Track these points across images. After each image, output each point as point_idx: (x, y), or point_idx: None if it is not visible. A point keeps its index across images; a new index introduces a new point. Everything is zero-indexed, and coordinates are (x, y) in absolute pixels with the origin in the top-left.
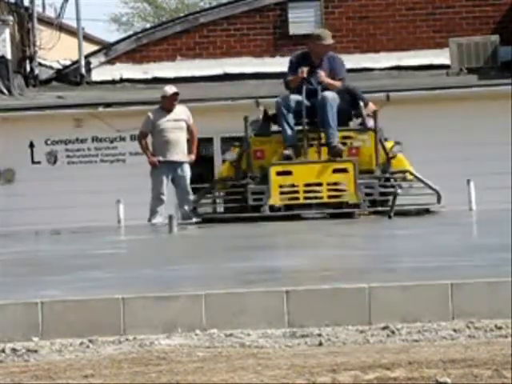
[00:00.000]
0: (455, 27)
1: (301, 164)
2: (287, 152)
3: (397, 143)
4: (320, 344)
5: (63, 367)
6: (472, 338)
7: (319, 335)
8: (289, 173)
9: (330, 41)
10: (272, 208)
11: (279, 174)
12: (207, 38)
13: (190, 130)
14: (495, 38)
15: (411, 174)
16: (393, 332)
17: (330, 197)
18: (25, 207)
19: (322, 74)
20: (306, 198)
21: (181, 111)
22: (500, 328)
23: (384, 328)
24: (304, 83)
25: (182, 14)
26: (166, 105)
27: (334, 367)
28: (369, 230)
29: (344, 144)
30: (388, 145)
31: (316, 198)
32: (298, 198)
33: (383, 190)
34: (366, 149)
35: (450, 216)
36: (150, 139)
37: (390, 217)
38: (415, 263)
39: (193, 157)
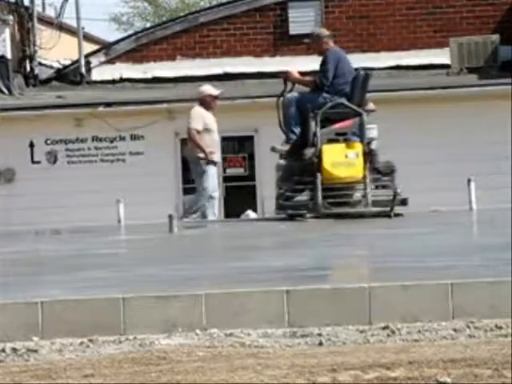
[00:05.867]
0: (455, 27)
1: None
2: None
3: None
4: (320, 344)
5: (63, 367)
6: (472, 338)
7: (319, 335)
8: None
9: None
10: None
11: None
12: (207, 38)
13: None
14: (495, 37)
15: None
16: (393, 332)
17: None
18: (25, 207)
19: (286, 71)
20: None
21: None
22: (500, 328)
23: (384, 328)
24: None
25: (181, 14)
26: (212, 104)
27: (334, 367)
28: (369, 229)
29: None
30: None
31: None
32: None
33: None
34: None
35: (450, 216)
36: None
37: (389, 217)
38: (415, 263)
39: None
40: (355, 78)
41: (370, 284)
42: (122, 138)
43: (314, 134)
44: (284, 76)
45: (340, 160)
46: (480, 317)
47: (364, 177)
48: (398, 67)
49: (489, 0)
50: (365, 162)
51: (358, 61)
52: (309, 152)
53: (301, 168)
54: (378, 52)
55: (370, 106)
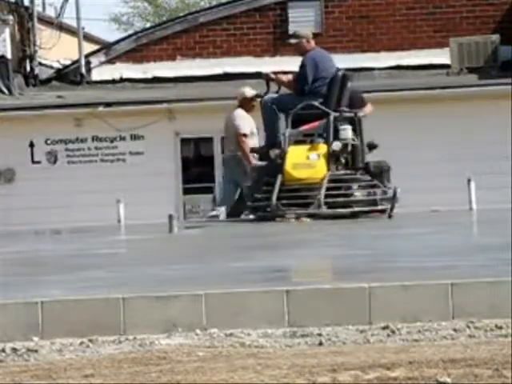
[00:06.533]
0: (455, 27)
1: None
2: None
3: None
4: (320, 344)
5: (63, 367)
6: (472, 338)
7: (319, 335)
8: None
9: (292, 40)
10: None
11: None
12: (207, 38)
13: None
14: (495, 37)
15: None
16: (393, 332)
17: None
18: (25, 207)
19: (266, 72)
20: None
21: None
22: (500, 328)
23: (384, 328)
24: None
25: (181, 14)
26: (252, 107)
27: (334, 367)
28: (369, 229)
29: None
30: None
31: None
32: None
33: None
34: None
35: (450, 216)
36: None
37: (390, 216)
38: (415, 263)
39: None
40: (333, 78)
41: (370, 284)
42: (122, 138)
43: (283, 136)
44: (266, 77)
45: (301, 161)
46: (480, 317)
47: (323, 178)
48: (398, 67)
49: (489, 0)
50: (328, 163)
51: (359, 61)
52: (273, 153)
53: (267, 169)
54: (378, 52)
55: (368, 108)
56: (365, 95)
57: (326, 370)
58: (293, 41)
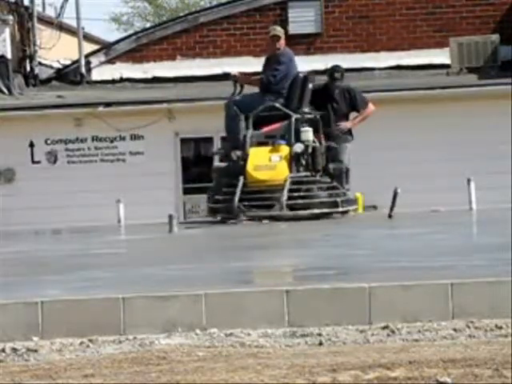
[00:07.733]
0: (455, 27)
1: None
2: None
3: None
4: (320, 344)
5: (63, 367)
6: (472, 338)
7: (319, 335)
8: None
9: (277, 32)
10: None
11: None
12: (207, 38)
13: None
14: (495, 37)
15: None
16: (393, 332)
17: None
18: (25, 207)
19: (234, 73)
20: None
21: None
22: (500, 328)
23: (384, 328)
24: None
25: (181, 14)
26: None
27: (334, 367)
28: (369, 229)
29: None
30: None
31: None
32: None
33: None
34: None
35: (450, 216)
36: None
37: (390, 216)
38: (415, 263)
39: None
40: (294, 80)
41: (370, 284)
42: (122, 138)
43: (244, 137)
44: (234, 78)
45: (263, 163)
46: (480, 317)
47: (285, 180)
48: (398, 67)
49: (489, 0)
50: (290, 165)
51: (358, 61)
52: (235, 154)
53: (228, 171)
54: (378, 52)
55: (370, 107)
56: (366, 95)
57: (325, 370)
58: (278, 33)
